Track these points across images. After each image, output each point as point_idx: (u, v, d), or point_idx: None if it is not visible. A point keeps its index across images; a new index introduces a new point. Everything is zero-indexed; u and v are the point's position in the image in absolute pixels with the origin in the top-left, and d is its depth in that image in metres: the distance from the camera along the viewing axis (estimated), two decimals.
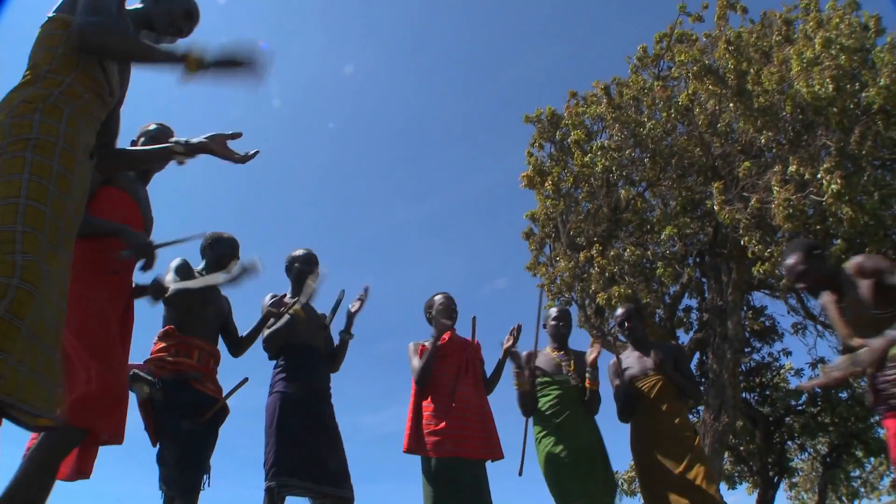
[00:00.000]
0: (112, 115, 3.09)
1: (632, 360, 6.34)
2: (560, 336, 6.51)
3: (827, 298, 4.35)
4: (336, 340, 5.84)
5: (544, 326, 6.54)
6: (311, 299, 5.57)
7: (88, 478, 3.77)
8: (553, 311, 6.66)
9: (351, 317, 5.80)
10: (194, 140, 3.37)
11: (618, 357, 6.40)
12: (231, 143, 3.38)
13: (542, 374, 6.26)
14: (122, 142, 3.43)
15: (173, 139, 3.46)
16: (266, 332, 5.41)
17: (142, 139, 4.36)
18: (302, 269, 5.71)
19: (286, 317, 5.37)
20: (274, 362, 5.52)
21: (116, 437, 3.54)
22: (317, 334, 5.63)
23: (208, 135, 3.37)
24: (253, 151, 3.38)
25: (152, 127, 4.40)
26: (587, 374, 6.16)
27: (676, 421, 5.95)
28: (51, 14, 2.78)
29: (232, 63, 2.83)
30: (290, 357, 5.44)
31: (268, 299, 5.66)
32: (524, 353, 6.26)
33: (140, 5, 3.35)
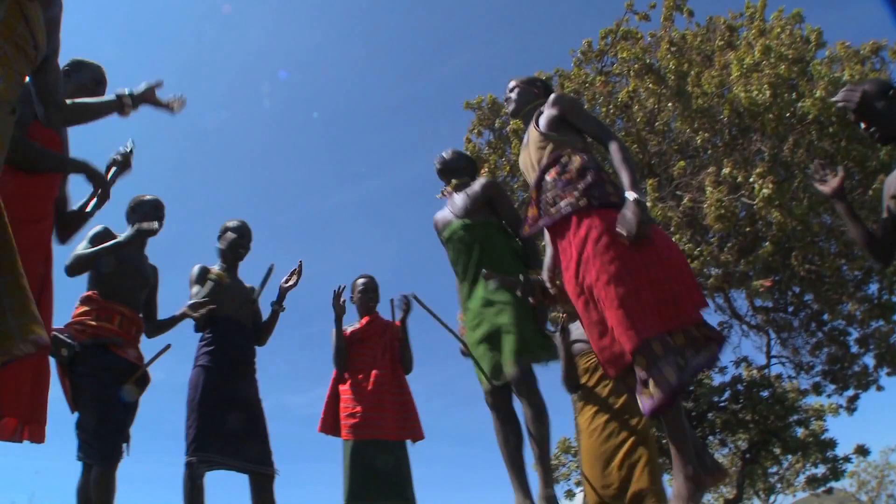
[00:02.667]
0: (46, 68, 3.02)
1: (580, 331, 5.22)
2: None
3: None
4: (266, 313, 5.75)
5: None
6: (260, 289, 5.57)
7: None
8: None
9: (284, 291, 5.71)
10: (138, 92, 3.46)
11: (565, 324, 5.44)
12: None
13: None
14: None
15: (117, 91, 3.48)
16: (191, 300, 5.29)
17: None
18: (234, 241, 5.63)
19: (209, 284, 5.34)
20: (199, 335, 5.45)
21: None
22: (243, 308, 5.54)
23: (144, 86, 3.51)
24: (180, 97, 3.57)
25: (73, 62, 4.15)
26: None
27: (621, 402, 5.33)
28: None
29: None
30: (214, 331, 5.38)
31: (196, 271, 5.53)
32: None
33: None
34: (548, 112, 4.08)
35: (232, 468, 5.11)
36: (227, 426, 5.04)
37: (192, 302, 5.26)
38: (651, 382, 3.25)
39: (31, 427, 3.39)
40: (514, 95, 4.48)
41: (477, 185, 5.16)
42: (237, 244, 5.65)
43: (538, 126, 4.08)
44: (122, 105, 3.47)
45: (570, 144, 3.95)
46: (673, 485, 3.31)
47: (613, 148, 3.80)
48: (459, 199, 5.15)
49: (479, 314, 4.80)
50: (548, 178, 3.92)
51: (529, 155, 4.14)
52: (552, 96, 4.16)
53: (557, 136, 3.98)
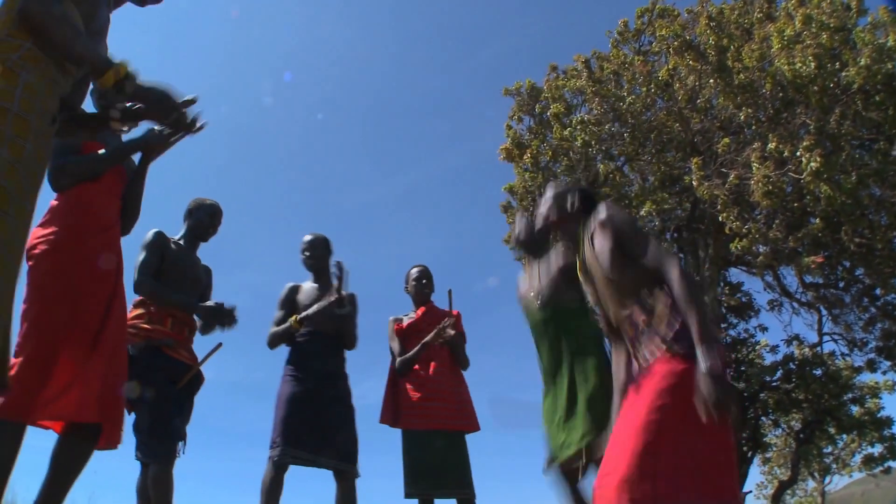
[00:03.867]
0: (81, 83, 2.99)
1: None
2: None
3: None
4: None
5: None
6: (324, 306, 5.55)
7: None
8: None
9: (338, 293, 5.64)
10: (134, 107, 3.10)
11: None
12: None
13: None
14: None
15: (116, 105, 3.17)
16: (271, 331, 5.55)
17: None
18: (306, 257, 5.81)
19: (288, 323, 5.48)
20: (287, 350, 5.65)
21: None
22: (324, 320, 5.60)
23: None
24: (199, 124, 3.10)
25: None
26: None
27: None
28: None
29: (152, 100, 2.77)
30: (296, 345, 5.57)
31: (285, 292, 5.75)
32: None
33: None
34: (601, 240, 3.44)
35: (315, 465, 5.26)
36: (308, 425, 5.22)
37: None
38: None
39: (114, 431, 3.52)
40: (542, 208, 3.99)
41: (554, 264, 4.63)
42: (310, 260, 5.81)
43: (599, 261, 3.46)
44: (111, 121, 3.15)
45: (642, 278, 3.33)
46: None
47: (675, 281, 3.14)
48: (539, 273, 4.73)
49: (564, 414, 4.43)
50: (635, 321, 3.36)
51: (599, 287, 3.57)
52: (601, 217, 3.45)
53: (629, 276, 3.35)
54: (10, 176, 2.34)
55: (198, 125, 3.05)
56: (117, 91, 2.66)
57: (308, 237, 5.87)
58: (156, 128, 3.51)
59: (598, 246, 3.45)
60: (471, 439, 5.99)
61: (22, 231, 2.45)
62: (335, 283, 5.57)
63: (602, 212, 3.47)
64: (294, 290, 5.75)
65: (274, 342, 5.56)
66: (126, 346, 3.86)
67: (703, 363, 2.86)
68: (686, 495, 2.87)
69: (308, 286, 5.74)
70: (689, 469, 2.91)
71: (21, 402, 3.07)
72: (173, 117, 2.85)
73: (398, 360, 5.98)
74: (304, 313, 5.49)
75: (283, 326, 5.49)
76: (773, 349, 18.07)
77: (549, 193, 3.97)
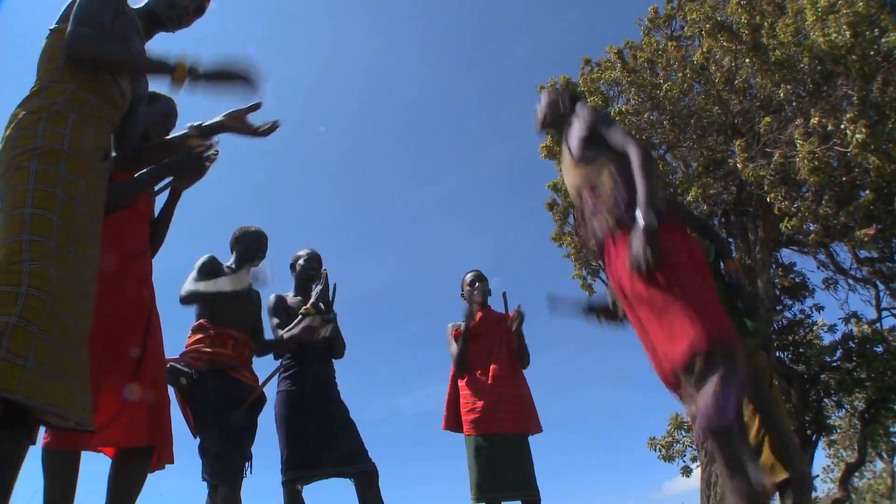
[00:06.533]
0: (130, 115, 3.11)
1: None
2: None
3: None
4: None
5: None
6: (319, 300, 5.62)
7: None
8: None
9: (324, 302, 5.76)
10: (209, 122, 3.32)
11: None
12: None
13: None
14: None
15: (187, 124, 3.41)
16: (285, 335, 5.51)
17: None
18: (304, 268, 5.95)
19: (305, 319, 5.50)
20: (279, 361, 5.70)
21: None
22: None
23: (225, 112, 3.30)
24: (273, 121, 3.29)
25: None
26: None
27: None
28: (53, 26, 2.85)
29: (225, 76, 2.90)
30: (290, 356, 5.64)
31: (273, 300, 5.79)
32: None
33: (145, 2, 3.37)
34: (576, 129, 3.95)
35: (331, 476, 5.33)
36: (316, 440, 5.27)
37: (305, 325, 5.45)
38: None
39: (164, 451, 3.59)
40: (539, 113, 4.40)
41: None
42: (308, 272, 5.91)
43: (570, 147, 4.00)
44: (189, 140, 3.42)
45: (601, 161, 3.74)
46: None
47: (633, 155, 3.52)
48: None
49: None
50: (587, 201, 3.77)
51: (568, 178, 4.06)
52: (578, 112, 4.03)
53: (588, 156, 3.80)
54: (68, 214, 2.44)
55: (268, 125, 3.27)
56: (193, 80, 2.83)
57: (309, 252, 5.99)
58: (187, 149, 3.49)
59: (571, 135, 3.95)
60: (533, 440, 6.05)
61: (87, 268, 2.54)
62: (319, 293, 5.65)
63: (578, 108, 4.06)
64: (283, 299, 5.80)
65: (292, 343, 5.50)
66: (165, 368, 3.92)
67: (640, 218, 3.26)
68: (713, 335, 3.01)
69: (292, 298, 5.82)
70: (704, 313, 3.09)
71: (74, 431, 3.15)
72: (257, 83, 2.96)
73: (454, 360, 6.03)
74: (311, 301, 5.54)
75: (298, 318, 5.49)
76: (831, 328, 17.78)
77: (544, 101, 4.35)
